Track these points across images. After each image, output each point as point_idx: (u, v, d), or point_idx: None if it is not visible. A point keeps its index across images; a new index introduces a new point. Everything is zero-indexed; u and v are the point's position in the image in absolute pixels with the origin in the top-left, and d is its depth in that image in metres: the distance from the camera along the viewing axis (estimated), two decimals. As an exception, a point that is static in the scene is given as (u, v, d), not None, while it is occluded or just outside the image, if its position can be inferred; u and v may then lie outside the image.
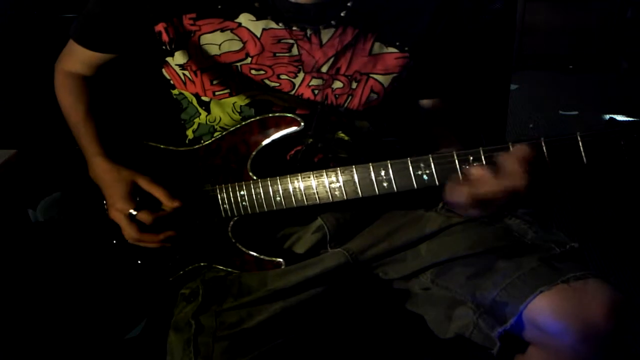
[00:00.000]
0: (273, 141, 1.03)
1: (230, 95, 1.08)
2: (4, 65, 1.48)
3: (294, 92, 1.08)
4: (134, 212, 1.04)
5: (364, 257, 1.10)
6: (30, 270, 1.24)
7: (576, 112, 3.78)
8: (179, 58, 1.07)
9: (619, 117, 3.55)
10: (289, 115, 1.02)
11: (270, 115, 1.04)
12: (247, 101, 1.08)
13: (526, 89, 4.01)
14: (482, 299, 0.97)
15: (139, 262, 1.15)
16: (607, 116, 3.55)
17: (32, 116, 1.46)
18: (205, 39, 1.04)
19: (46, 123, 1.35)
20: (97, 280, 1.19)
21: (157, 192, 1.05)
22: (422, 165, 0.92)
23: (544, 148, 0.85)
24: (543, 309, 0.91)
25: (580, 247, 1.00)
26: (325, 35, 1.04)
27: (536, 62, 4.49)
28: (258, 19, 1.02)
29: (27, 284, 1.23)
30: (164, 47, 1.06)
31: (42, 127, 1.42)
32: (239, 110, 1.09)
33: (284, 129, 1.02)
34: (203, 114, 1.12)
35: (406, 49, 1.08)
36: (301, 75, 1.07)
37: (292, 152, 1.08)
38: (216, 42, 1.04)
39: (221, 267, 1.11)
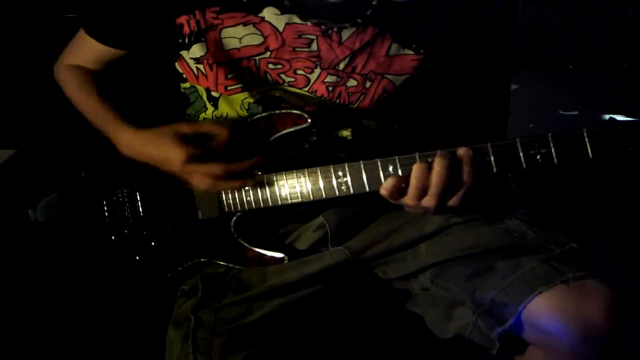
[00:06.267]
0: (279, 137, 1.03)
1: (242, 90, 1.08)
2: (4, 65, 1.48)
3: (308, 88, 1.08)
4: (198, 151, 0.97)
5: (364, 256, 1.10)
6: (30, 270, 1.24)
7: (576, 112, 3.78)
8: (195, 51, 1.06)
9: (619, 117, 3.54)
10: (295, 112, 1.03)
11: (277, 111, 1.04)
12: (257, 97, 1.09)
13: (526, 89, 4.00)
14: (481, 299, 0.97)
15: (137, 257, 1.14)
16: (607, 116, 3.53)
17: (31, 116, 1.46)
18: (227, 32, 1.04)
19: (46, 123, 1.35)
20: (97, 280, 1.19)
21: (205, 127, 1.02)
22: (429, 160, 0.92)
23: (551, 144, 0.88)
24: (542, 310, 0.91)
25: (580, 247, 1.00)
26: (346, 33, 1.05)
27: (536, 62, 4.49)
28: (282, 13, 1.03)
29: (27, 283, 1.23)
30: (181, 41, 1.06)
31: (41, 127, 1.42)
32: (247, 107, 1.10)
33: (291, 126, 1.02)
34: (210, 109, 1.13)
35: (422, 51, 1.08)
36: (317, 71, 1.07)
37: (296, 148, 1.08)
38: (237, 35, 1.04)
39: (222, 263, 1.10)
